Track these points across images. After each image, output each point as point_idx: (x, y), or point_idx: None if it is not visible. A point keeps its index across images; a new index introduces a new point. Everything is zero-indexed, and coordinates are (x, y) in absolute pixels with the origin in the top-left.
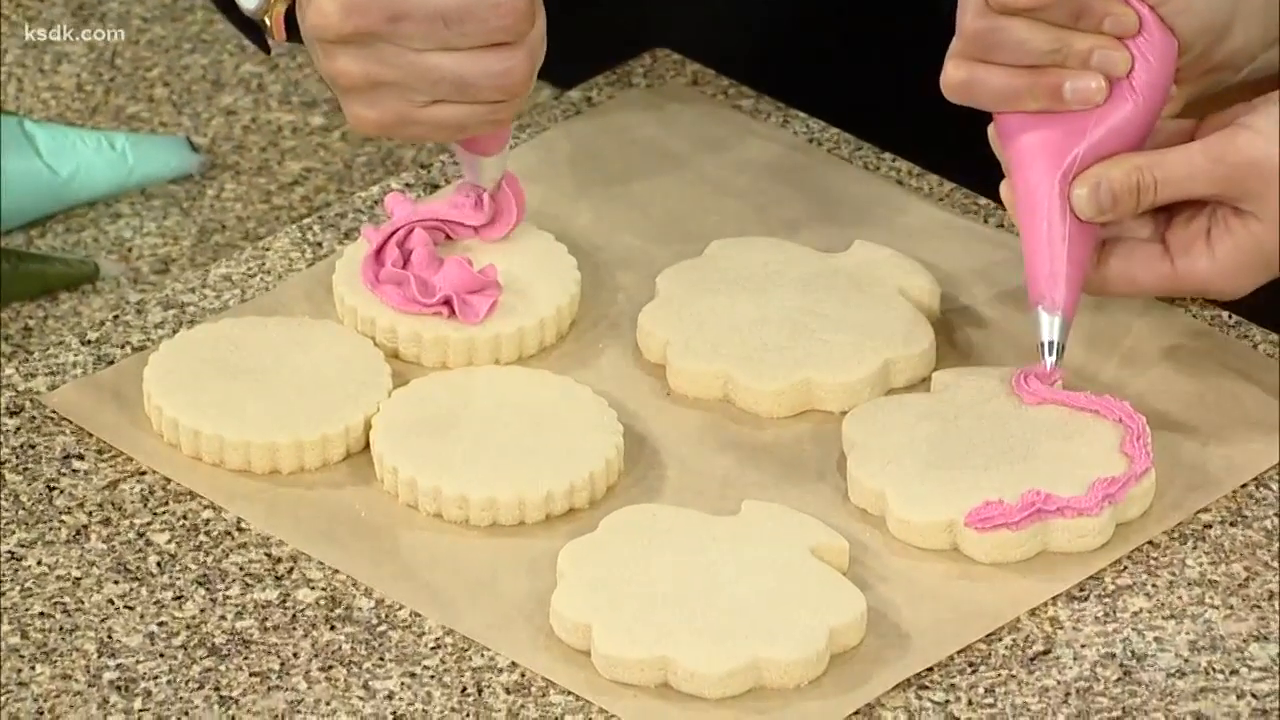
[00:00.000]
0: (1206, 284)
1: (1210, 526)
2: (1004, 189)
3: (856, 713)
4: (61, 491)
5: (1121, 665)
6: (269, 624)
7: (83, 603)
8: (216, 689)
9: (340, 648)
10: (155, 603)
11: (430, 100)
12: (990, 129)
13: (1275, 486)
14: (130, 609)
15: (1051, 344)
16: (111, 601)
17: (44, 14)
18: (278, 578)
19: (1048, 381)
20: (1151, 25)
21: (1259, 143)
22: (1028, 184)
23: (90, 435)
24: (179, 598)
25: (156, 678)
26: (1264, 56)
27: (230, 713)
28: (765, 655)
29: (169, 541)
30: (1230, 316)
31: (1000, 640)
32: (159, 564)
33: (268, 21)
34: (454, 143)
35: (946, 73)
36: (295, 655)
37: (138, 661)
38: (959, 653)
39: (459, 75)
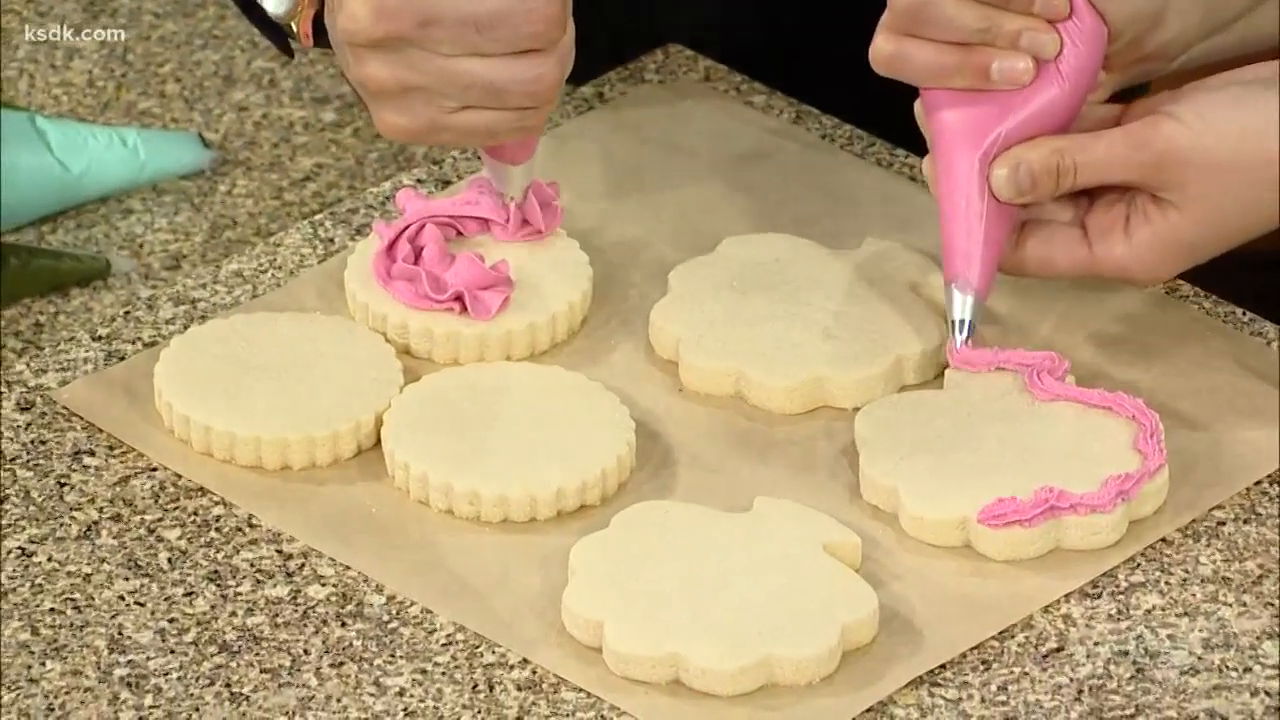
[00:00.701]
0: (1123, 270)
1: (1224, 524)
2: (925, 164)
3: (869, 710)
4: (72, 487)
5: (1135, 663)
6: (280, 620)
7: (93, 599)
8: (227, 685)
9: (351, 644)
10: (166, 599)
11: (460, 106)
12: (916, 104)
13: None
14: (141, 605)
15: (963, 322)
16: (122, 598)
17: (55, 9)
18: (289, 574)
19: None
20: (1082, 10)
21: (1181, 132)
22: (948, 161)
23: (101, 431)
24: (190, 594)
25: (167, 674)
26: (1198, 47)
27: (241, 709)
28: (777, 652)
29: (180, 538)
30: (1244, 313)
31: (1013, 637)
32: (170, 560)
33: (294, 27)
34: (481, 150)
35: (876, 44)
36: (306, 652)
37: (148, 658)
38: (972, 650)
39: (489, 81)
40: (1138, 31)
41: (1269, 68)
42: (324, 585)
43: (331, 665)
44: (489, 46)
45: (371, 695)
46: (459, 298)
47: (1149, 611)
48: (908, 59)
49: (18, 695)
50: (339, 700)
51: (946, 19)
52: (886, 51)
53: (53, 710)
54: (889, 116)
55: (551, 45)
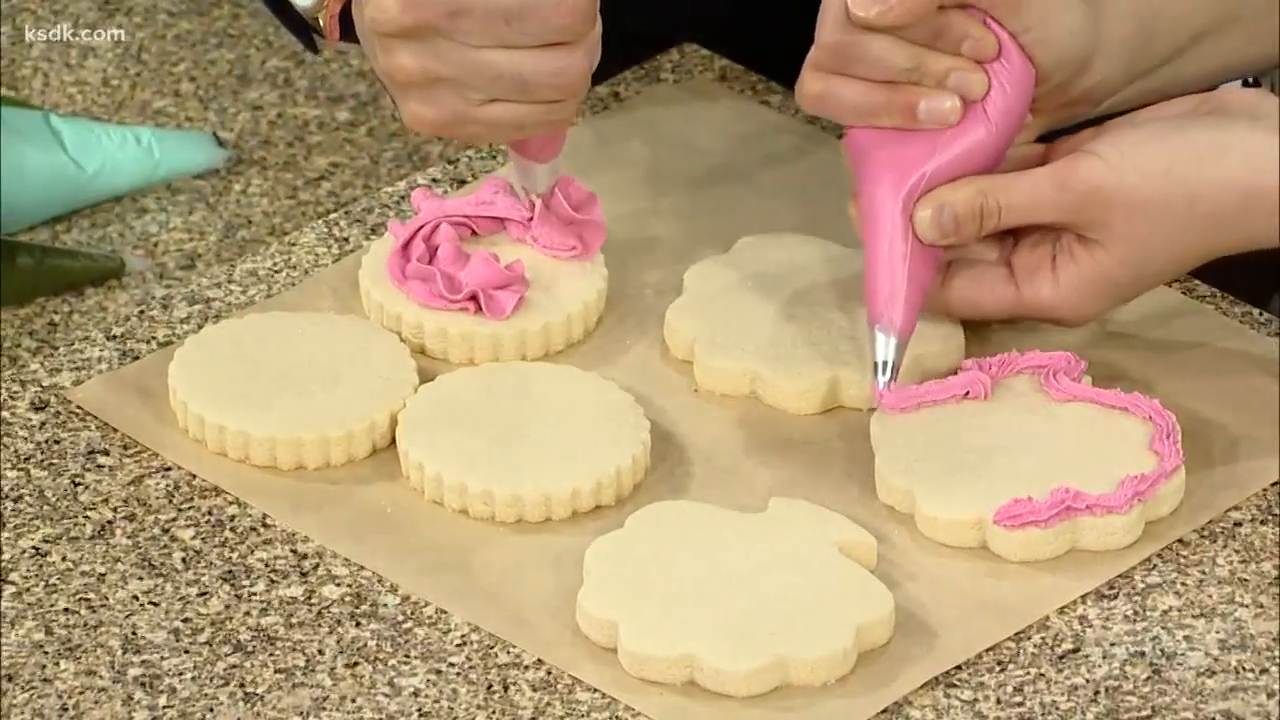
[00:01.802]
0: (1050, 311)
1: (1240, 525)
2: (851, 206)
3: (884, 711)
4: (86, 487)
5: (1151, 664)
6: (294, 620)
7: (107, 599)
8: (241, 685)
9: (365, 644)
10: (180, 599)
11: (487, 98)
12: (842, 142)
13: None
14: (155, 605)
15: (885, 364)
16: (136, 598)
17: (70, 8)
18: (303, 574)
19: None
20: (1011, 52)
21: (1104, 170)
22: (873, 201)
23: (115, 431)
24: (204, 594)
25: (181, 674)
26: (1124, 91)
27: (255, 709)
28: (792, 653)
29: (194, 537)
30: (1261, 314)
31: (1029, 639)
32: (184, 560)
33: (321, 20)
34: (508, 146)
35: (803, 82)
36: (320, 652)
37: (162, 658)
38: (987, 651)
39: (517, 73)
40: (1065, 75)
41: (1188, 101)
42: (338, 585)
43: (346, 665)
44: (517, 38)
45: (386, 695)
46: (474, 297)
47: (1165, 612)
48: (836, 98)
49: (31, 695)
50: (353, 700)
51: (875, 58)
52: (815, 90)
53: (66, 710)
54: None
55: (580, 38)
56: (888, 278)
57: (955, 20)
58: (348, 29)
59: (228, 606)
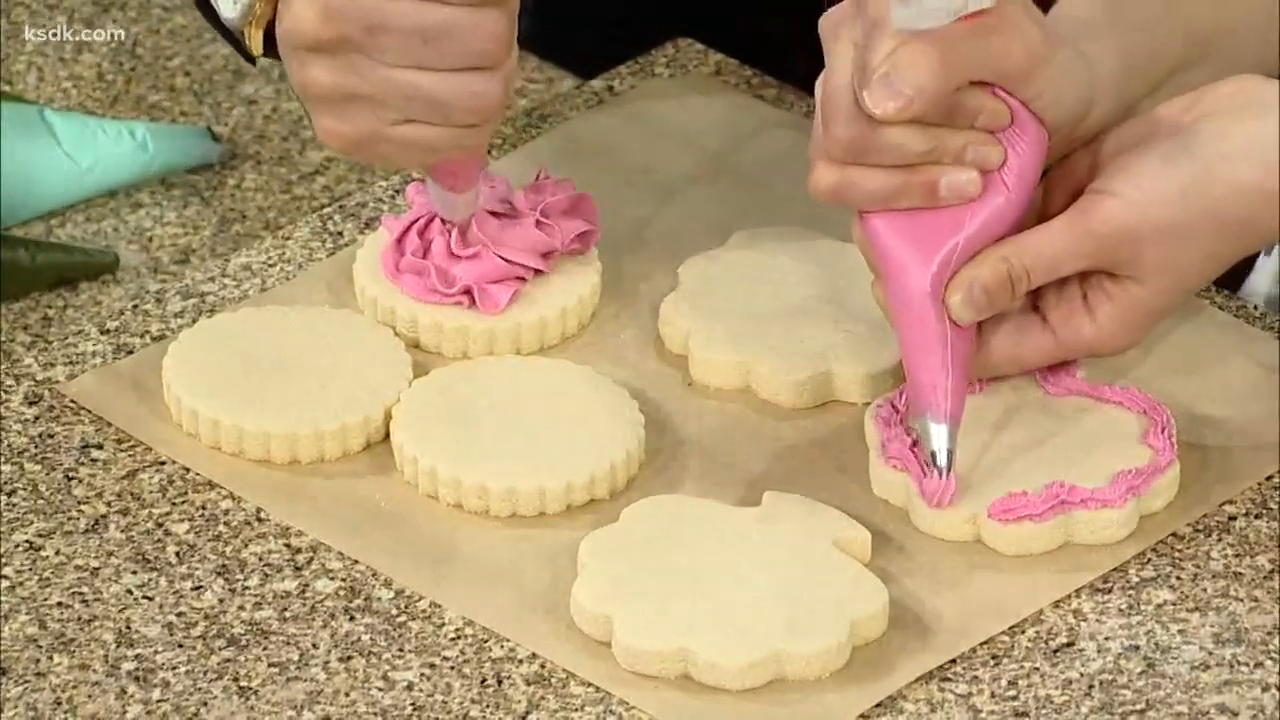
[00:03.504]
0: (1092, 349)
1: (1235, 519)
2: (875, 290)
3: (878, 705)
4: (80, 481)
5: (1145, 658)
6: (288, 614)
7: (101, 593)
8: (235, 679)
9: (360, 638)
10: (174, 593)
11: (402, 119)
12: (854, 228)
13: None
14: (149, 599)
15: (940, 452)
16: (130, 592)
17: (64, 2)
18: (297, 568)
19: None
20: (1023, 118)
21: (1124, 208)
22: (901, 287)
23: (109, 425)
24: (198, 588)
25: (175, 668)
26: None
27: (249, 703)
28: (786, 647)
29: (188, 531)
30: (1256, 308)
31: (1023, 632)
32: (178, 554)
33: (246, 35)
34: (427, 176)
35: (816, 176)
36: (314, 646)
37: (156, 652)
38: (982, 645)
39: (433, 94)
40: (1071, 127)
41: (1176, 105)
42: (332, 579)
43: (340, 659)
44: (435, 60)
45: (380, 689)
46: (468, 291)
47: (1160, 606)
48: (854, 187)
49: (25, 689)
50: (347, 694)
51: (894, 146)
52: (830, 181)
53: (60, 704)
54: None
55: (497, 64)
56: (928, 366)
57: (968, 97)
58: (272, 44)
59: (221, 600)
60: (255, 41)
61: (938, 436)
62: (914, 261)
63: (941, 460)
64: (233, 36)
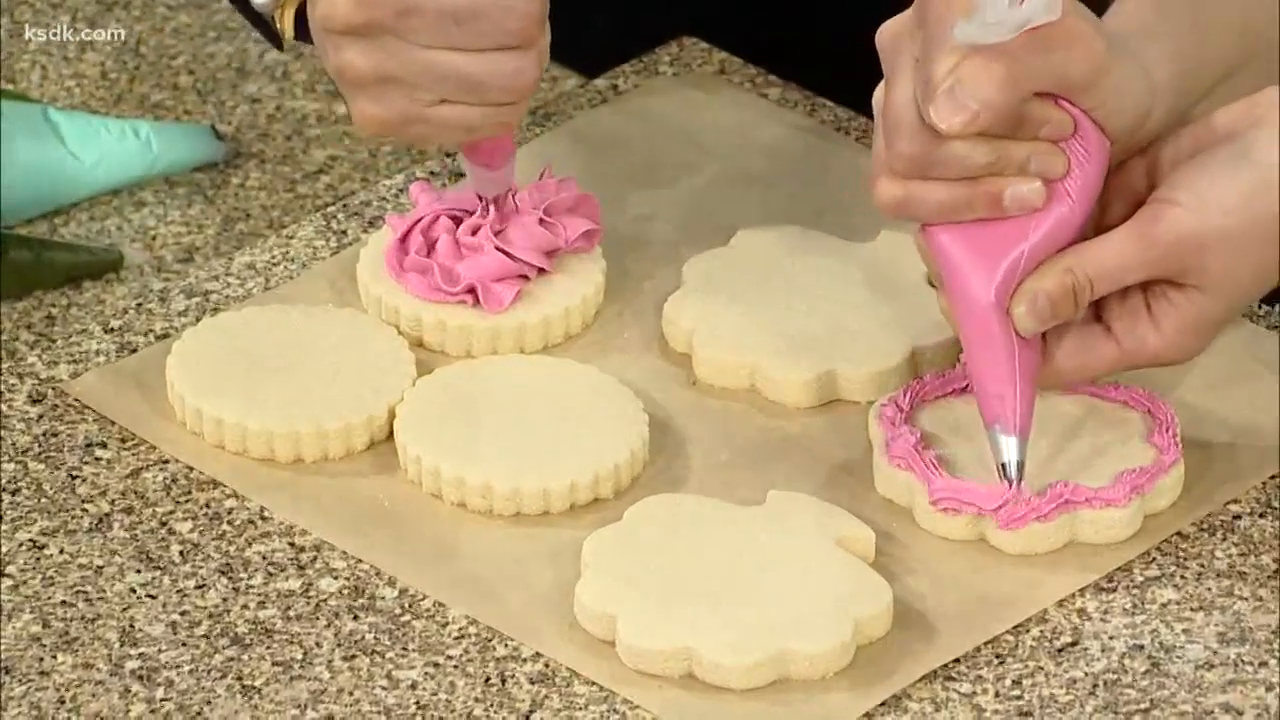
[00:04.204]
0: (1157, 358)
1: (1239, 518)
2: (940, 301)
3: (882, 704)
4: (84, 480)
5: (1150, 657)
6: (292, 613)
7: (105, 592)
8: (239, 678)
9: (363, 637)
10: (178, 592)
11: (437, 99)
12: (917, 239)
13: None
14: (152, 598)
15: (1011, 464)
16: (134, 590)
17: (68, 1)
18: (300, 567)
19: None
20: (1086, 128)
21: (1186, 217)
22: (966, 299)
23: (113, 424)
24: (201, 587)
25: (179, 667)
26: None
27: (252, 702)
28: (791, 647)
29: (191, 530)
30: (1260, 307)
31: (1027, 632)
32: (181, 553)
33: (277, 19)
34: (461, 155)
35: (880, 191)
36: (318, 645)
37: (160, 651)
38: (986, 644)
39: (467, 74)
40: (1130, 134)
41: (1235, 111)
42: (336, 578)
43: (343, 658)
44: (467, 40)
45: (383, 688)
46: (472, 290)
47: (1164, 606)
48: (919, 201)
49: (29, 688)
50: (351, 693)
51: (958, 159)
52: (894, 196)
53: (64, 703)
54: None
55: (530, 43)
56: (996, 377)
57: (1032, 108)
58: (303, 28)
59: (225, 599)
60: (287, 24)
61: (1008, 448)
62: (978, 273)
63: (1012, 472)
64: (261, 21)
